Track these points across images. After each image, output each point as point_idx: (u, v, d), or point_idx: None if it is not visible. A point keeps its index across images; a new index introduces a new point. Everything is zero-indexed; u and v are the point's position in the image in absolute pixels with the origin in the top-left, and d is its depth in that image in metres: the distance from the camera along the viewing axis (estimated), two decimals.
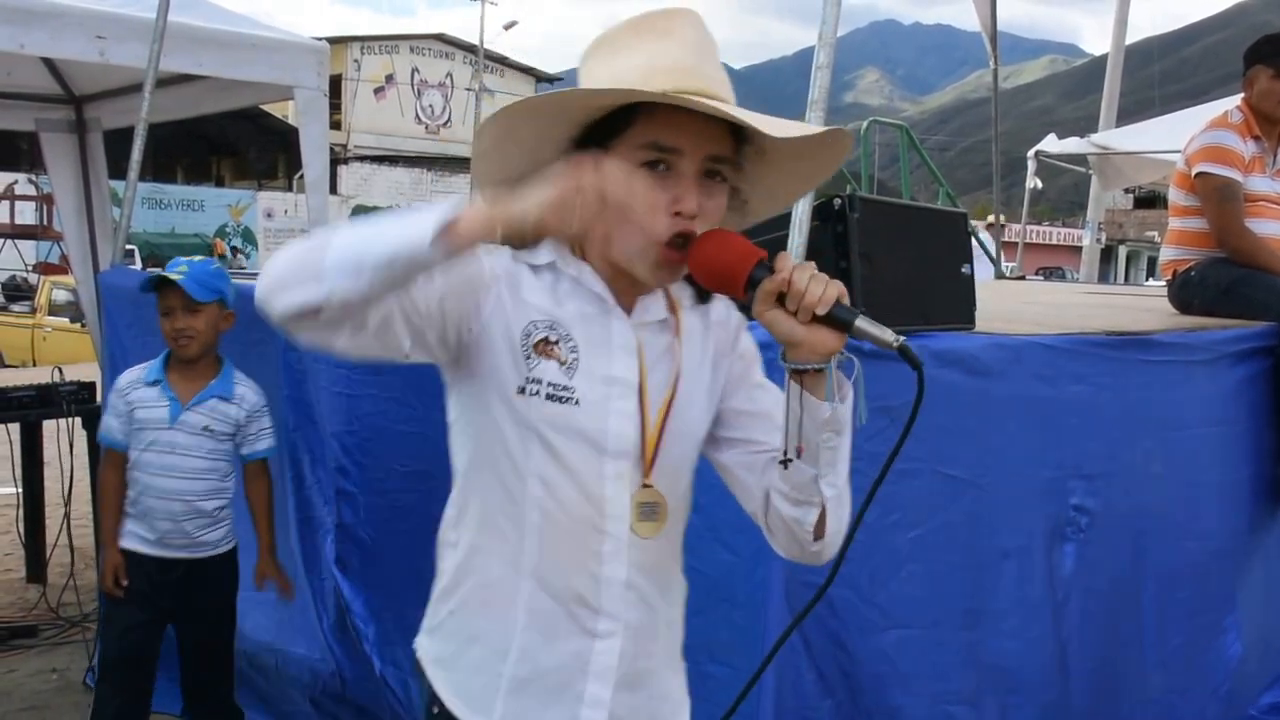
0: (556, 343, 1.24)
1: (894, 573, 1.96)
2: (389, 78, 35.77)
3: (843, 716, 2.09)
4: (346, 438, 2.69)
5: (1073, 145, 8.39)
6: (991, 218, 9.77)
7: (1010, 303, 4.06)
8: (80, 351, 10.17)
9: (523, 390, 1.23)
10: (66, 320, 13.41)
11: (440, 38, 37.87)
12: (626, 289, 1.28)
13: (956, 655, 2.19)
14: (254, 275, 5.27)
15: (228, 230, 28.81)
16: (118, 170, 4.59)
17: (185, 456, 2.67)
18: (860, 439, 1.23)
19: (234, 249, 27.06)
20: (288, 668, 2.98)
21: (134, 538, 2.72)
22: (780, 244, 1.90)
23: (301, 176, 4.73)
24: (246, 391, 2.76)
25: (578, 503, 1.25)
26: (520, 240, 1.21)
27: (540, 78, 41.63)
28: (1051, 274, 22.71)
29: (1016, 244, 8.88)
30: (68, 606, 4.26)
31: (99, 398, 4.12)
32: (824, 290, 1.10)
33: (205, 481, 2.70)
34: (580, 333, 1.25)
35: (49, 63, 4.75)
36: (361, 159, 32.60)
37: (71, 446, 4.16)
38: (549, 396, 1.23)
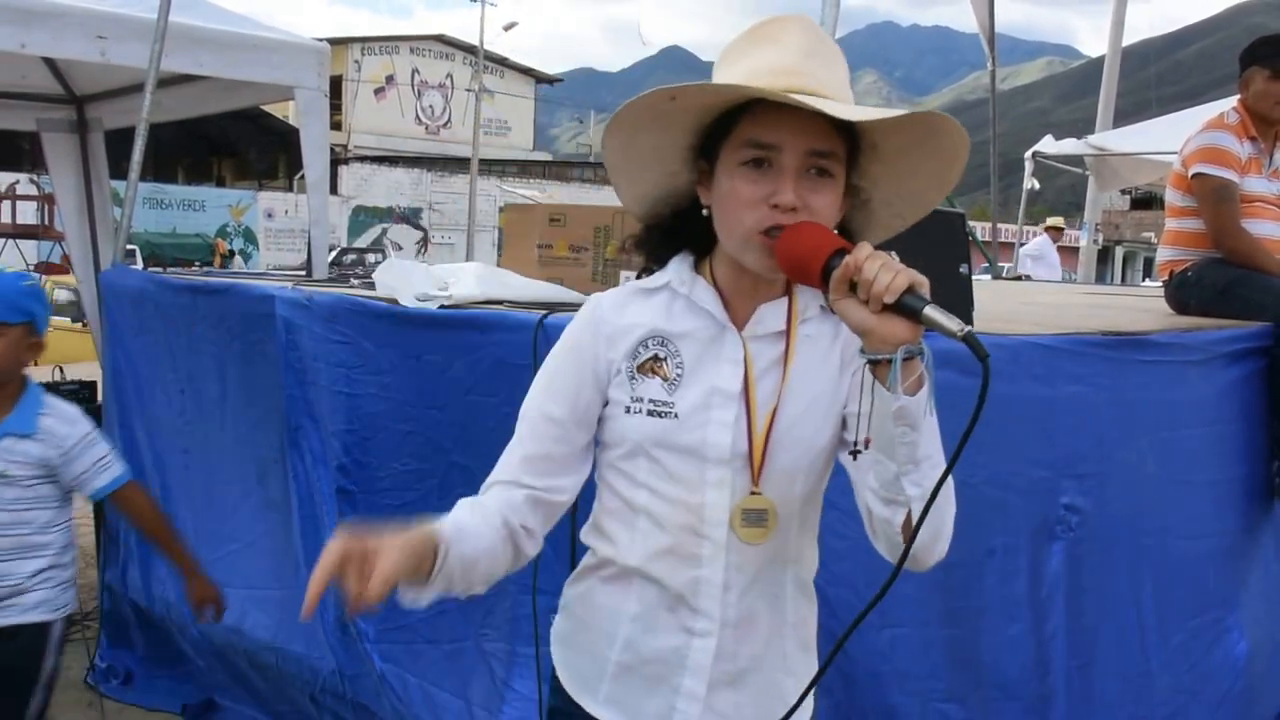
0: (665, 359, 1.33)
1: (888, 568, 1.98)
2: (389, 78, 35.79)
3: (840, 716, 2.11)
4: (347, 436, 2.69)
5: (1070, 146, 8.42)
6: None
7: (1008, 303, 4.07)
8: (81, 351, 10.15)
9: (629, 409, 1.32)
10: (68, 320, 13.40)
11: (440, 39, 37.88)
12: (747, 293, 1.33)
13: (943, 653, 2.21)
14: (255, 275, 5.28)
15: (228, 230, 28.81)
16: (119, 170, 4.60)
17: None
18: None
19: (233, 252, 27.05)
20: (287, 666, 2.99)
21: None
22: None
23: (302, 177, 4.74)
24: (55, 424, 2.33)
25: (679, 509, 1.32)
26: None
27: (540, 79, 41.65)
28: None
29: (1013, 245, 8.89)
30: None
31: (100, 397, 4.13)
32: (893, 279, 1.10)
33: (4, 538, 2.27)
34: (690, 348, 1.33)
35: (50, 63, 4.77)
36: (362, 159, 32.59)
37: None
38: (650, 412, 1.31)
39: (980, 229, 12.69)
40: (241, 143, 32.28)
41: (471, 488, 1.39)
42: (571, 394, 1.36)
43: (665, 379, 1.32)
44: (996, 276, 7.46)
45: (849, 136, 1.26)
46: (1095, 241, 10.09)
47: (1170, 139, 5.21)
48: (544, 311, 2.36)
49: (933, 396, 1.15)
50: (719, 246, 1.33)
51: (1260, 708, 2.86)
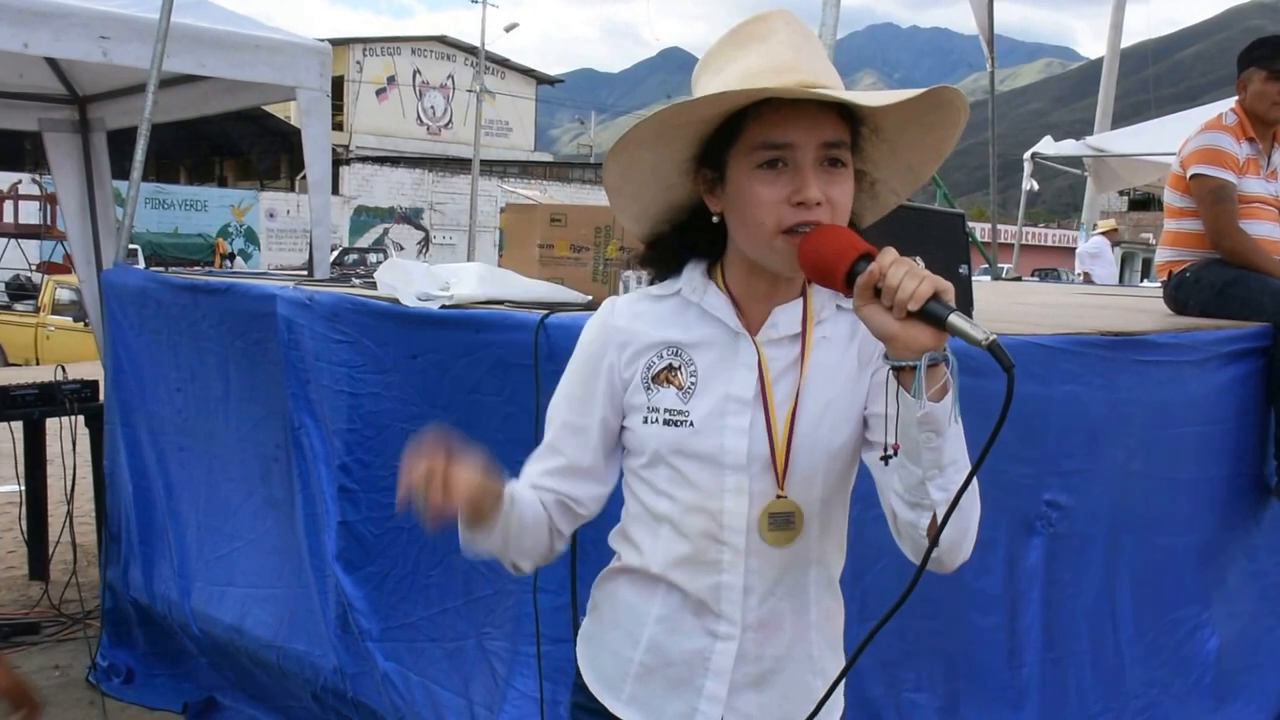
0: (679, 368, 1.34)
1: (870, 566, 1.99)
2: (391, 79, 35.81)
3: None
4: (349, 435, 2.70)
5: (1068, 148, 8.44)
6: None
7: (1007, 303, 4.08)
8: (83, 350, 10.20)
9: (646, 419, 1.33)
10: (70, 319, 13.45)
11: (442, 39, 37.91)
12: (762, 297, 1.33)
13: (916, 644, 2.23)
14: (256, 274, 5.29)
15: (230, 230, 28.81)
16: (121, 170, 4.61)
17: None
18: None
19: (233, 254, 27.05)
20: (289, 664, 3.00)
21: None
22: None
23: (304, 177, 4.75)
24: None
25: (699, 516, 1.32)
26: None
27: (541, 79, 41.66)
28: (1046, 275, 22.71)
29: (1012, 245, 8.91)
30: (70, 604, 4.29)
31: (102, 396, 4.15)
32: (918, 286, 1.10)
33: None
34: (704, 357, 1.33)
35: (53, 63, 4.78)
36: (363, 160, 32.61)
37: (74, 445, 4.19)
38: (665, 422, 1.32)
39: (979, 230, 12.70)
40: (243, 143, 32.30)
41: None
42: (590, 403, 1.38)
43: (680, 388, 1.32)
44: (996, 277, 7.47)
45: (851, 123, 1.26)
46: None
47: (1168, 140, 5.23)
48: (545, 311, 2.37)
49: (958, 402, 1.15)
50: (730, 251, 1.33)
51: (1231, 704, 2.88)
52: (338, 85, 31.08)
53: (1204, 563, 2.80)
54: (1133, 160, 8.17)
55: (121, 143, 4.77)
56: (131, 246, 4.73)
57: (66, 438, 4.22)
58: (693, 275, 1.36)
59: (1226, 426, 2.83)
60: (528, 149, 40.20)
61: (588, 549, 1.93)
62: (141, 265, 10.88)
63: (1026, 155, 8.35)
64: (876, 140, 1.30)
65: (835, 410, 1.31)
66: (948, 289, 1.11)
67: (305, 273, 4.76)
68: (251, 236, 29.38)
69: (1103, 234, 10.89)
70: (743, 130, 1.24)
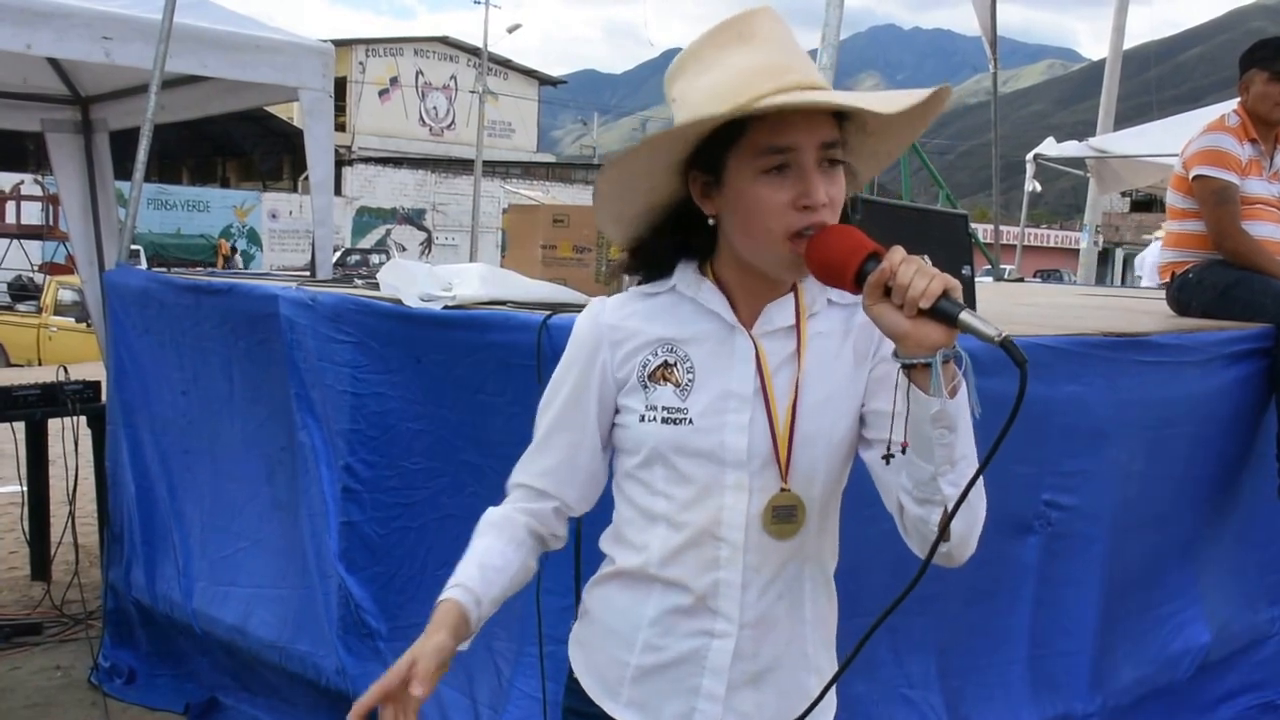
0: (675, 365, 1.33)
1: (865, 563, 2.00)
2: (393, 80, 35.83)
3: None
4: (352, 435, 2.69)
5: (1071, 149, 8.42)
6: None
7: (1009, 304, 4.08)
8: (85, 351, 10.21)
9: (643, 418, 1.33)
10: (72, 320, 13.46)
11: (444, 40, 37.93)
12: (755, 293, 1.32)
13: (908, 640, 2.23)
14: (258, 275, 5.29)
15: (233, 231, 28.84)
16: (123, 171, 4.62)
17: None
18: None
19: (234, 249, 27.08)
20: (292, 664, 3.00)
21: None
22: None
23: (306, 178, 4.75)
24: None
25: (697, 513, 1.32)
26: None
27: (544, 80, 41.68)
28: (1049, 276, 22.70)
29: (1015, 246, 8.90)
30: (72, 604, 4.29)
31: (104, 397, 4.15)
32: (928, 284, 1.10)
33: None
34: (699, 352, 1.33)
35: (55, 63, 4.79)
36: (366, 161, 32.63)
37: (76, 445, 4.19)
38: (664, 420, 1.31)
39: (982, 231, 12.69)
40: (246, 144, 32.31)
41: (483, 485, 1.41)
42: (582, 402, 1.37)
43: (677, 385, 1.31)
44: (998, 278, 7.47)
45: (841, 121, 1.26)
46: (1095, 244, 10.10)
47: (1171, 141, 5.22)
48: (548, 312, 2.37)
49: (974, 393, 1.15)
50: (722, 250, 1.33)
51: (1208, 686, 2.89)
52: (340, 86, 31.11)
53: (1204, 562, 2.81)
54: (1135, 161, 8.16)
55: (124, 143, 4.78)
56: (134, 247, 4.74)
57: (68, 438, 4.22)
58: (685, 272, 1.36)
59: (1228, 427, 2.83)
60: (530, 150, 40.22)
61: (592, 550, 1.93)
62: (144, 266, 10.89)
63: (1029, 156, 8.34)
64: (862, 135, 1.31)
65: (833, 404, 1.31)
66: (957, 287, 1.11)
67: (308, 273, 4.76)
68: (254, 237, 29.40)
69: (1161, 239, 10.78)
70: (744, 134, 1.23)
